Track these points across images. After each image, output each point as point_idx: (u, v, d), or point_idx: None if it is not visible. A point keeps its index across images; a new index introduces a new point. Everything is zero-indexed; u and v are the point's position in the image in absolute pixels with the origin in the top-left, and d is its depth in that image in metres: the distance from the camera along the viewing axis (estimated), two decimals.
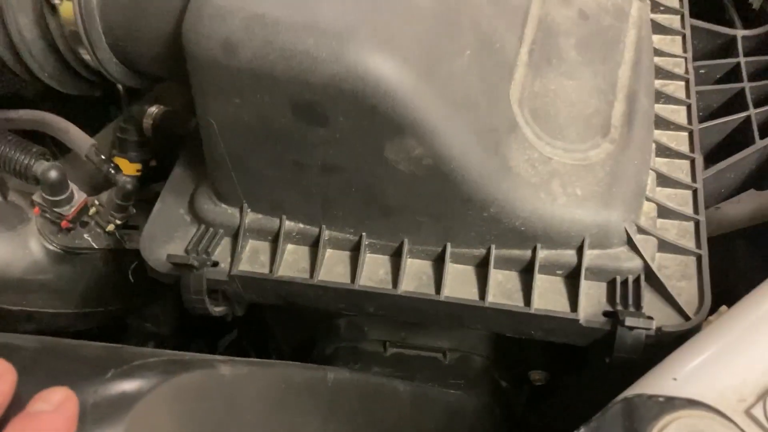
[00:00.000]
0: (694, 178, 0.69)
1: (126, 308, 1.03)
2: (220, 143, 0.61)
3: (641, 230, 0.63)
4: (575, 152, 0.64)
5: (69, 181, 0.87)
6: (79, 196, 0.89)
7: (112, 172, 0.88)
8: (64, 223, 0.87)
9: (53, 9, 0.66)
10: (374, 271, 0.65)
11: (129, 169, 0.98)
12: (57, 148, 0.97)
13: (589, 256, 0.62)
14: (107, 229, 0.90)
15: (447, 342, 0.76)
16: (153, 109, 0.98)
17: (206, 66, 0.56)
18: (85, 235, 0.91)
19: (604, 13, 0.74)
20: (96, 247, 0.91)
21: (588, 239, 0.61)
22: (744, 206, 0.80)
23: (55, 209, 0.86)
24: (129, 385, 0.45)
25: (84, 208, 0.88)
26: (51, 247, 0.89)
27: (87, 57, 0.70)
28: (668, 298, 0.61)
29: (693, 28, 0.83)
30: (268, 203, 0.66)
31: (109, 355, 0.50)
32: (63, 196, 0.86)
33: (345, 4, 0.54)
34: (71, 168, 0.97)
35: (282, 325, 0.85)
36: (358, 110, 0.55)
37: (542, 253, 0.62)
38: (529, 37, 0.68)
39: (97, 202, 0.91)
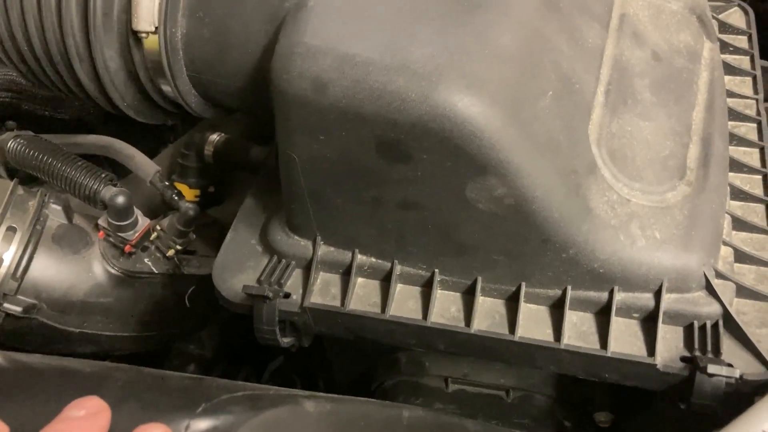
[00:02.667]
0: None
1: (180, 332, 1.04)
2: (300, 178, 0.62)
3: (719, 275, 0.62)
4: (653, 194, 0.64)
5: (134, 207, 0.89)
6: (143, 222, 0.90)
7: (176, 198, 0.89)
8: (127, 248, 0.88)
9: (138, 41, 0.67)
10: (446, 308, 0.65)
11: (188, 194, 0.99)
12: (111, 169, 0.98)
13: (667, 300, 0.61)
14: (167, 254, 0.91)
15: (511, 380, 0.76)
16: (214, 137, 0.99)
17: (295, 103, 0.57)
18: (146, 260, 0.91)
19: (677, 55, 0.74)
20: (156, 271, 0.92)
21: (666, 283, 0.61)
22: None
23: (119, 234, 0.87)
24: (220, 421, 0.46)
25: (146, 233, 0.90)
26: (113, 271, 0.90)
27: (167, 88, 0.71)
28: (748, 345, 0.60)
29: (762, 68, 0.83)
30: (342, 237, 0.66)
31: (196, 388, 0.50)
32: (128, 221, 0.87)
33: (434, 46, 0.55)
34: (135, 188, 0.99)
35: (341, 355, 0.85)
36: (442, 149, 0.55)
37: (619, 296, 0.62)
38: (605, 77, 0.68)
39: (159, 228, 0.92)
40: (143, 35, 0.66)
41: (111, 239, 0.89)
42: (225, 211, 1.01)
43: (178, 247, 0.91)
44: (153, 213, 0.98)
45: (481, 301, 0.65)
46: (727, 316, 0.61)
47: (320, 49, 0.55)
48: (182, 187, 0.99)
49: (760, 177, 0.72)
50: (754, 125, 0.77)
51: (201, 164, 1.01)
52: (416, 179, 0.58)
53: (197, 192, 1.02)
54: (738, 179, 0.71)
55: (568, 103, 0.62)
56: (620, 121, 0.67)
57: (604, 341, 0.61)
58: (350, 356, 0.85)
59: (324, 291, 0.67)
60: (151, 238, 0.91)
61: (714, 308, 0.61)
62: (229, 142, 0.99)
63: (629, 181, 0.64)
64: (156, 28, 0.66)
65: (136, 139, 0.97)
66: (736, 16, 0.88)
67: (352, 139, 0.57)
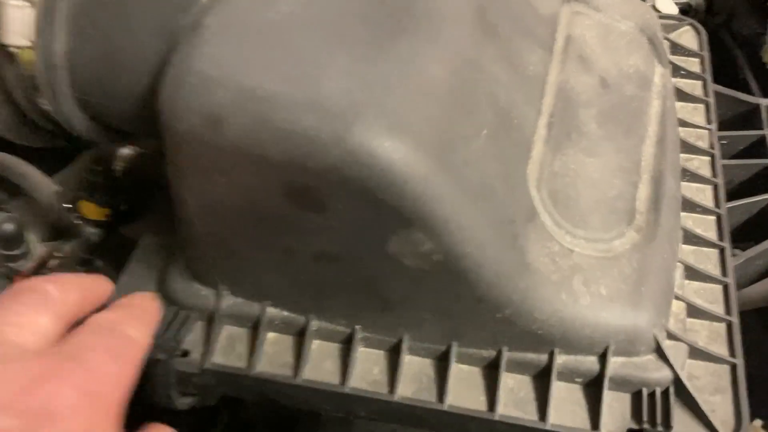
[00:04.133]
0: (724, 271, 0.62)
1: None
2: (196, 223, 0.53)
3: (671, 335, 0.56)
4: (598, 242, 0.57)
5: (26, 233, 0.79)
6: (37, 249, 0.81)
7: (76, 223, 0.80)
8: (16, 279, 0.79)
9: (10, 56, 0.57)
10: (368, 370, 0.57)
11: (97, 213, 0.89)
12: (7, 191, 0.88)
13: (613, 364, 0.54)
14: None
15: None
16: (125, 151, 0.89)
17: (186, 141, 0.48)
18: None
19: (627, 81, 0.68)
20: None
21: (612, 345, 0.54)
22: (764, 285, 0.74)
23: (9, 264, 0.78)
24: None
25: (43, 262, 0.80)
26: None
27: (49, 108, 0.61)
28: (701, 416, 0.54)
29: (716, 94, 0.77)
30: (250, 287, 0.58)
31: None
32: (19, 251, 0.78)
33: (350, 79, 0.47)
34: (28, 210, 0.89)
35: (262, 419, 0.76)
36: (360, 199, 0.47)
37: (560, 359, 0.55)
38: (548, 108, 0.61)
39: (59, 254, 0.82)
40: (15, 50, 0.56)
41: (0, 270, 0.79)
42: (141, 229, 0.91)
43: None
44: (58, 233, 0.88)
45: (408, 362, 0.57)
46: (678, 382, 0.54)
47: (216, 80, 0.47)
48: (90, 206, 0.89)
49: (713, 218, 0.66)
50: (707, 158, 0.71)
51: (111, 181, 0.90)
52: (332, 230, 0.50)
53: (107, 210, 0.92)
54: (690, 220, 0.65)
55: (506, 141, 0.54)
56: (563, 158, 0.60)
57: (543, 410, 0.54)
58: (272, 419, 0.77)
59: (228, 349, 0.58)
60: (49, 266, 0.81)
61: (664, 374, 0.54)
62: (143, 158, 0.89)
63: (572, 227, 0.57)
64: (32, 42, 0.56)
65: (40, 154, 0.86)
66: (688, 36, 0.82)
67: (257, 184, 0.49)
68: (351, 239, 0.50)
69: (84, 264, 0.82)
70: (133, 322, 0.44)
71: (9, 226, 0.76)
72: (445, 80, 0.50)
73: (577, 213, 0.58)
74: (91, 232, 0.81)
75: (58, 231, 0.91)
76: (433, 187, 0.47)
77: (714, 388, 0.56)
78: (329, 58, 0.48)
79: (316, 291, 0.56)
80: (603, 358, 0.55)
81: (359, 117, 0.46)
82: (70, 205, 0.82)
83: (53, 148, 1.01)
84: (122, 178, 0.88)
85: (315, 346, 0.58)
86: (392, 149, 0.45)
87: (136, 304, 0.47)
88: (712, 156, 0.71)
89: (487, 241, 0.50)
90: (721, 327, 0.59)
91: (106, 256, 0.85)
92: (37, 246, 0.83)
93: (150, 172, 0.88)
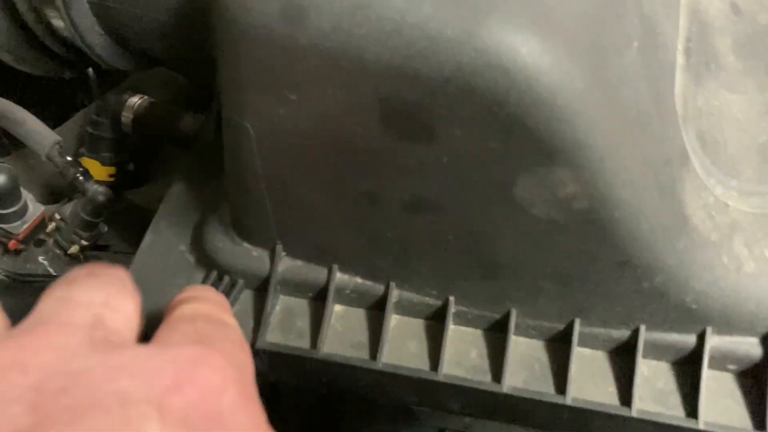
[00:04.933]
0: None
1: None
2: (256, 158, 0.41)
3: None
4: (753, 196, 0.45)
5: (22, 189, 0.67)
6: (35, 209, 0.69)
7: (80, 178, 0.68)
8: (12, 243, 0.68)
9: None
10: (464, 353, 0.45)
11: (100, 173, 0.77)
12: (9, 141, 0.77)
13: None
14: (70, 251, 0.69)
15: None
16: (135, 100, 0.76)
17: (253, 42, 0.35)
18: (41, 258, 0.70)
19: (760, 8, 0.56)
20: (54, 273, 0.71)
21: None
22: None
23: (2, 225, 0.66)
24: None
25: (41, 224, 0.69)
26: None
27: (59, 23, 0.49)
28: None
29: None
30: (315, 247, 0.46)
31: None
32: (13, 209, 0.66)
33: None
34: (24, 170, 0.78)
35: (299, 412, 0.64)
36: (487, 122, 0.35)
37: (713, 341, 0.43)
38: (684, 30, 0.49)
39: (58, 216, 0.71)
40: None
41: None
42: (148, 195, 0.79)
43: (84, 242, 0.70)
44: (56, 197, 0.77)
45: (514, 343, 0.45)
46: None
47: None
48: (93, 164, 0.77)
49: None
50: None
51: (117, 135, 0.77)
52: (439, 168, 0.38)
53: (112, 170, 0.79)
54: None
55: (654, 60, 0.42)
56: (705, 92, 0.48)
57: (691, 405, 0.43)
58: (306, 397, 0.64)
59: (286, 324, 0.46)
60: (48, 230, 0.71)
61: None
62: (154, 108, 0.76)
63: (724, 177, 0.45)
64: None
65: (35, 102, 0.74)
66: None
67: (342, 103, 0.37)
68: (462, 180, 0.38)
69: (87, 228, 0.70)
70: (222, 311, 0.34)
71: (1, 179, 0.64)
72: None
73: (727, 160, 0.46)
74: (98, 190, 0.69)
75: (58, 191, 0.79)
76: (590, 107, 0.35)
77: None
78: None
79: (402, 251, 0.44)
80: (766, 339, 0.43)
81: (495, 8, 0.33)
82: (72, 159, 0.70)
83: (56, 96, 0.88)
84: (130, 131, 0.76)
85: (396, 322, 0.46)
86: (539, 51, 0.33)
87: (209, 295, 0.36)
88: None
89: (644, 186, 0.38)
90: None
91: (110, 224, 0.73)
92: (34, 206, 0.71)
93: (162, 125, 0.75)
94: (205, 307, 0.34)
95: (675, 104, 0.43)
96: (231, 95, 0.39)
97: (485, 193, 0.38)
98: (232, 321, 0.34)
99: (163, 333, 0.30)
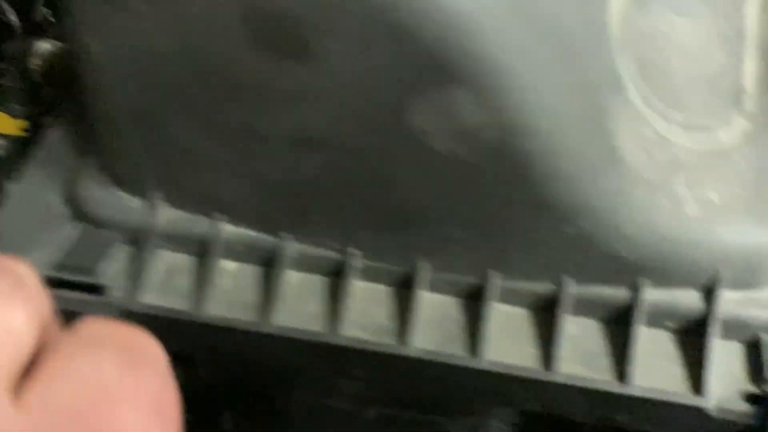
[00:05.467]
0: None
1: None
2: (115, 88, 0.35)
3: None
4: (700, 131, 0.40)
5: None
6: None
7: None
8: None
9: None
10: (369, 313, 0.40)
11: (9, 126, 0.69)
12: None
13: (725, 301, 0.38)
14: None
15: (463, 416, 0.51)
16: (45, 46, 0.69)
17: None
18: None
19: None
20: None
21: (724, 274, 0.38)
22: None
23: None
24: None
25: None
26: None
27: None
28: None
29: None
30: (197, 194, 0.40)
31: None
32: None
33: None
34: None
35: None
36: (372, 31, 0.29)
37: (649, 294, 0.38)
38: None
39: None
40: None
41: None
42: None
43: None
44: None
45: (427, 301, 0.40)
46: None
47: None
48: (1, 116, 0.70)
49: None
50: None
51: (27, 85, 0.70)
52: (321, 94, 0.32)
53: (24, 123, 0.72)
54: None
55: None
56: (651, 15, 0.42)
57: (622, 369, 0.38)
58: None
59: (167, 283, 0.40)
60: None
61: None
62: (67, 54, 0.69)
63: (666, 108, 0.39)
64: None
65: None
66: None
67: (203, 15, 0.30)
68: (350, 108, 0.32)
69: None
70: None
71: None
72: None
73: (672, 90, 0.40)
74: None
75: None
76: (496, 14, 0.29)
77: None
78: None
79: (294, 198, 0.38)
80: (709, 292, 0.38)
81: None
82: None
83: None
84: (41, 80, 0.68)
85: (292, 279, 0.40)
86: None
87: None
88: None
89: (566, 114, 0.32)
90: None
91: None
92: None
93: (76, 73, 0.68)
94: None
95: (609, 25, 0.37)
96: (72, 14, 0.33)
97: (378, 125, 0.32)
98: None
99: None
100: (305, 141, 0.34)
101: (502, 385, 0.39)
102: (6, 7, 0.61)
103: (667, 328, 0.39)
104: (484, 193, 0.34)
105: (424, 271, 0.39)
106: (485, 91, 0.30)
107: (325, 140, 0.34)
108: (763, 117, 0.42)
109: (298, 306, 0.40)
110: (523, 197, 0.34)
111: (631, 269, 0.37)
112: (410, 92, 0.30)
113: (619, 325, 0.39)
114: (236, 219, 0.40)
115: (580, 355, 0.39)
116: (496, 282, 0.39)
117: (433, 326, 0.39)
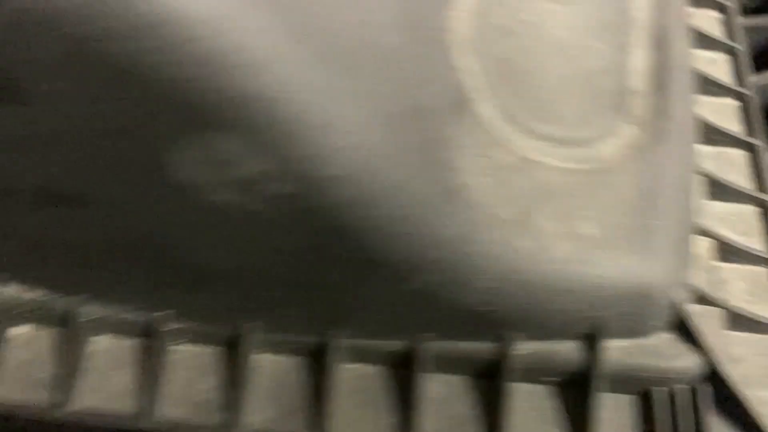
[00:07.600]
0: (762, 185, 0.40)
1: None
2: None
3: (698, 297, 0.33)
4: (575, 147, 0.33)
5: None
6: None
7: None
8: None
9: None
10: (192, 384, 0.33)
11: None
12: None
13: (609, 351, 0.32)
14: None
15: None
16: None
17: None
18: None
19: None
20: None
21: (606, 322, 0.31)
22: None
23: None
24: None
25: None
26: None
27: None
28: (749, 424, 0.32)
29: None
30: None
31: None
32: None
33: None
34: None
35: None
36: (90, 65, 0.21)
37: (519, 349, 0.32)
38: None
39: None
40: None
41: None
42: None
43: None
44: None
45: (261, 364, 0.33)
46: (713, 374, 0.32)
47: None
48: None
49: (735, 103, 0.43)
50: (717, 15, 0.48)
51: None
52: (44, 138, 0.24)
53: None
54: (707, 107, 0.42)
55: None
56: (513, 4, 0.35)
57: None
58: None
59: None
60: None
61: (689, 362, 0.32)
62: None
63: (533, 122, 0.33)
64: None
65: None
66: None
67: None
68: (89, 159, 0.25)
69: None
70: None
71: None
72: None
73: (540, 98, 0.34)
74: None
75: None
76: (265, 33, 0.22)
77: (765, 375, 0.34)
78: None
79: (80, 258, 0.31)
80: (591, 342, 0.32)
81: None
82: None
83: None
84: None
85: (100, 345, 0.33)
86: None
87: None
88: (725, 9, 0.47)
89: (385, 152, 0.26)
90: (762, 272, 0.37)
91: None
92: None
93: None
94: None
95: (449, 27, 0.30)
96: None
97: (131, 177, 0.25)
98: None
99: None
100: (54, 196, 0.26)
101: None
102: None
103: (542, 382, 0.33)
104: (290, 249, 0.27)
105: (252, 331, 0.32)
106: (253, 134, 0.22)
107: (67, 196, 0.26)
108: (656, 120, 0.35)
109: (103, 380, 0.33)
110: (340, 253, 0.27)
111: (496, 323, 0.31)
112: (156, 138, 0.23)
113: (487, 381, 0.33)
114: (20, 278, 0.33)
115: (446, 418, 0.33)
116: (338, 342, 0.32)
117: (269, 398, 0.33)
